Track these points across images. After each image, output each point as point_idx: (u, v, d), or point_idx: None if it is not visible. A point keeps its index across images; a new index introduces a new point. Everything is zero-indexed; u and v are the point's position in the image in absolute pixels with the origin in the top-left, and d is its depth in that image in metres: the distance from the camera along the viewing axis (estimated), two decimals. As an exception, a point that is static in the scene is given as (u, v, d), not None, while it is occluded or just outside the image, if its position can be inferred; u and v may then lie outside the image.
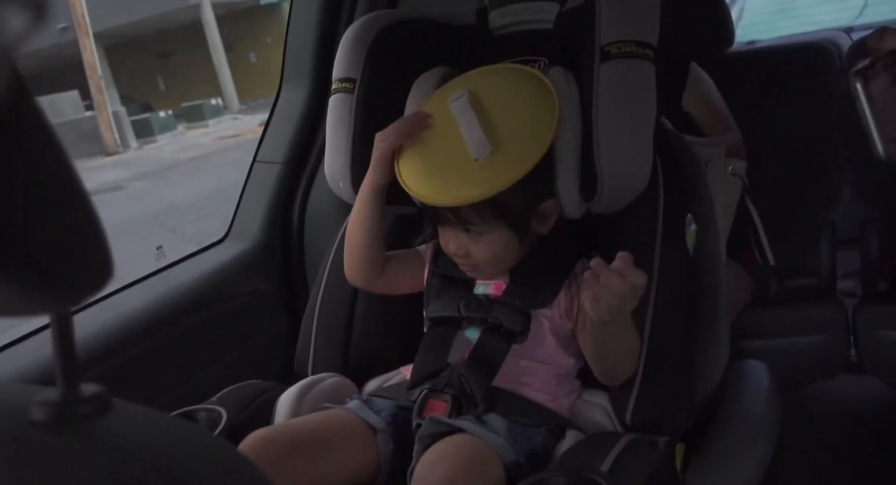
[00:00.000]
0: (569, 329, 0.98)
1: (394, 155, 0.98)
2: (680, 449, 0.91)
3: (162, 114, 17.21)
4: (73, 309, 0.42)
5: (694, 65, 1.79)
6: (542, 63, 1.03)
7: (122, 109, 16.18)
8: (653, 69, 0.92)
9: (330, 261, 1.18)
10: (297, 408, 1.00)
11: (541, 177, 0.92)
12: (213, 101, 17.96)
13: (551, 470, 0.86)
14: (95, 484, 0.37)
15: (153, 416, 0.45)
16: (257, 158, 1.50)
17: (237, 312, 1.35)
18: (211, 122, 17.04)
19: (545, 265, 0.99)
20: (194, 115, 17.60)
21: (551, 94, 0.93)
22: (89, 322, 1.12)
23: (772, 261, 1.71)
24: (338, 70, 1.11)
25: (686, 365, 0.95)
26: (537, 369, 0.98)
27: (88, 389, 0.42)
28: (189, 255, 1.43)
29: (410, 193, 0.96)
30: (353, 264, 1.06)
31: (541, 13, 1.08)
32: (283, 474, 0.86)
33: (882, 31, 0.66)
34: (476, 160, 0.91)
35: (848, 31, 3.48)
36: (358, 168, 1.09)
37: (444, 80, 1.06)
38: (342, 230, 1.22)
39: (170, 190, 8.41)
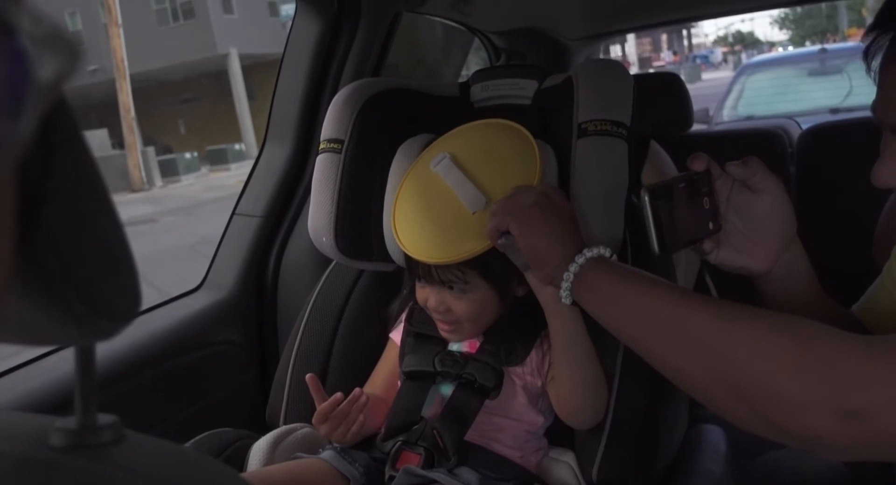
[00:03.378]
0: (539, 386, 1.02)
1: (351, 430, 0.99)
2: (642, 507, 0.95)
3: (188, 155, 17.92)
4: (106, 339, 0.44)
5: (654, 143, 1.89)
6: None
7: (150, 149, 17.20)
8: (626, 147, 1.00)
9: (307, 313, 1.21)
10: (270, 457, 1.01)
11: None
12: (237, 147, 18.55)
13: None
14: None
15: (165, 445, 0.47)
16: (237, 211, 1.53)
17: (209, 360, 1.35)
18: (233, 165, 17.56)
19: (518, 325, 1.03)
20: (218, 159, 18.40)
21: (526, 137, 0.99)
22: (63, 364, 1.12)
23: (727, 333, 1.78)
24: (326, 131, 1.16)
25: (650, 427, 0.99)
26: (508, 426, 1.01)
27: (104, 418, 0.44)
28: (163, 302, 1.44)
29: (411, 255, 1.00)
30: None
31: (520, 89, 1.15)
32: None
33: (694, 157, 0.81)
34: (473, 213, 0.96)
35: (834, 111, 3.71)
36: (341, 225, 1.13)
37: (427, 146, 1.12)
38: (320, 284, 1.25)
39: (201, 225, 8.56)
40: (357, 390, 1.00)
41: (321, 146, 1.16)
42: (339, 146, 1.14)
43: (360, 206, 1.14)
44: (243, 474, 0.97)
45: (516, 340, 1.02)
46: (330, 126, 1.16)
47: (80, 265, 0.35)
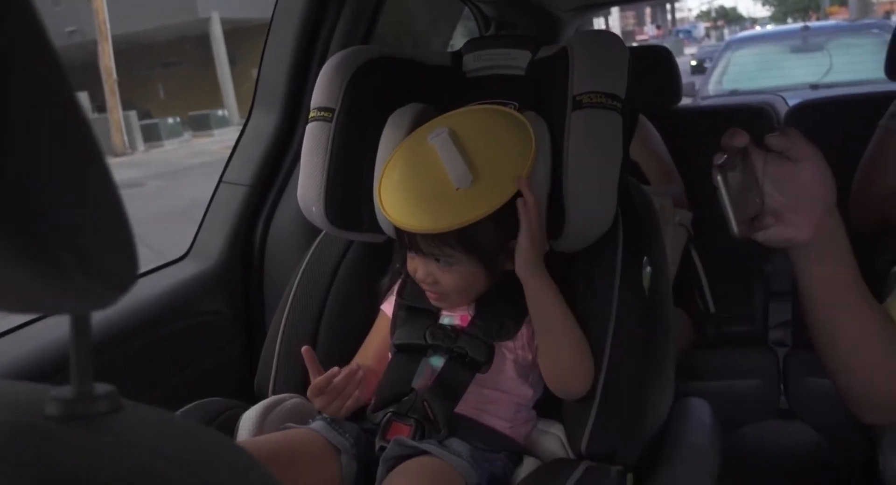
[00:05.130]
0: (529, 360, 1.02)
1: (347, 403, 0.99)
2: (630, 478, 0.96)
3: (170, 120, 17.76)
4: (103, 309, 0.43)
5: (642, 117, 1.89)
6: (514, 107, 1.09)
7: (132, 113, 17.05)
8: (620, 120, 0.99)
9: (296, 284, 1.20)
10: (260, 427, 1.01)
11: (512, 214, 0.96)
12: (220, 113, 18.47)
13: None
14: (120, 476, 0.37)
15: (162, 414, 0.47)
16: (223, 179, 1.51)
17: (195, 330, 1.34)
18: (216, 131, 17.54)
19: (509, 300, 1.03)
20: (200, 124, 18.40)
21: (528, 131, 0.99)
22: (48, 335, 1.10)
23: (712, 308, 1.81)
24: (317, 99, 1.15)
25: (639, 399, 1.00)
26: (498, 398, 1.01)
27: (101, 387, 0.43)
28: (148, 270, 1.42)
29: (392, 222, 1.00)
30: None
31: (513, 60, 1.14)
32: None
33: (732, 132, 0.78)
34: (457, 189, 0.95)
35: (815, 86, 3.78)
36: (331, 194, 1.12)
37: (418, 115, 1.10)
38: (309, 254, 1.24)
39: (189, 189, 8.48)
40: (354, 364, 0.99)
41: (311, 114, 1.15)
42: (330, 114, 1.13)
43: (351, 175, 1.13)
44: (244, 441, 0.97)
45: (507, 314, 1.02)
46: (320, 94, 1.14)
47: (77, 232, 0.34)
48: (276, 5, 1.47)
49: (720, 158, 0.76)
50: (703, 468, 1.04)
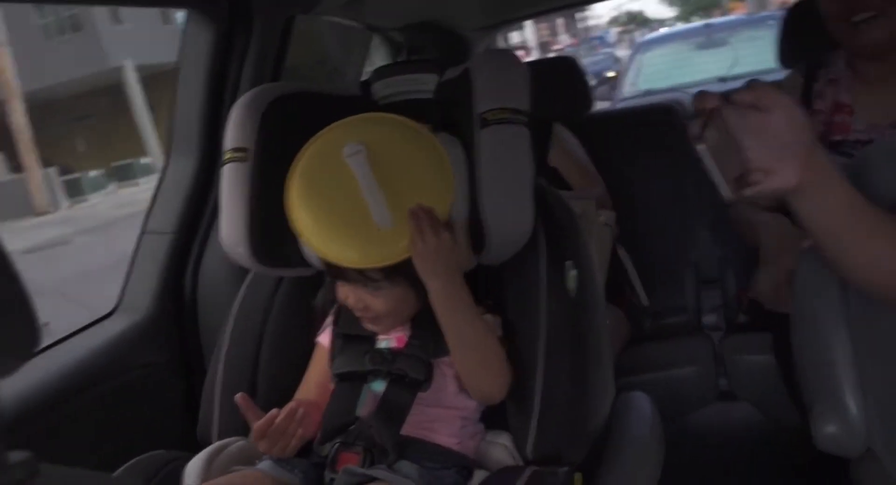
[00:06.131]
0: None
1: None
2: (578, 478, 0.98)
3: (92, 173, 17.41)
4: (6, 376, 0.43)
5: (558, 125, 1.95)
6: (428, 129, 1.12)
7: (51, 170, 16.67)
8: (527, 132, 1.02)
9: (230, 326, 1.19)
10: (207, 473, 0.99)
11: None
12: (143, 161, 18.04)
13: None
14: None
15: (81, 475, 0.46)
16: (146, 229, 1.49)
17: (133, 384, 1.32)
18: (142, 180, 17.17)
19: None
20: (125, 174, 18.15)
21: (437, 149, 1.01)
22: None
23: (645, 302, 1.86)
24: (230, 140, 1.14)
25: (578, 400, 1.02)
26: (443, 415, 1.03)
27: (16, 456, 0.43)
28: (76, 330, 1.39)
29: (314, 252, 1.00)
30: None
31: (421, 84, 1.16)
32: None
33: (702, 96, 0.79)
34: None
35: (722, 79, 3.94)
36: (255, 233, 1.12)
37: None
38: (240, 296, 1.23)
39: (119, 242, 8.22)
40: (293, 403, 0.99)
41: (226, 156, 1.14)
42: (244, 154, 1.13)
43: (273, 212, 1.12)
44: None
45: (441, 330, 1.04)
46: (232, 135, 1.14)
47: None
48: (181, 49, 1.47)
49: (695, 127, 0.76)
50: (647, 460, 1.07)
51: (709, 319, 2.00)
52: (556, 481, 0.94)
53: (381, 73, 1.19)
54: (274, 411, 0.97)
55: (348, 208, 0.99)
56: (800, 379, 1.04)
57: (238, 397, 0.98)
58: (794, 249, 1.12)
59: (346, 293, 1.02)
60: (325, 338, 1.12)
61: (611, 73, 7.56)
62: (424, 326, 1.04)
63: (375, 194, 0.98)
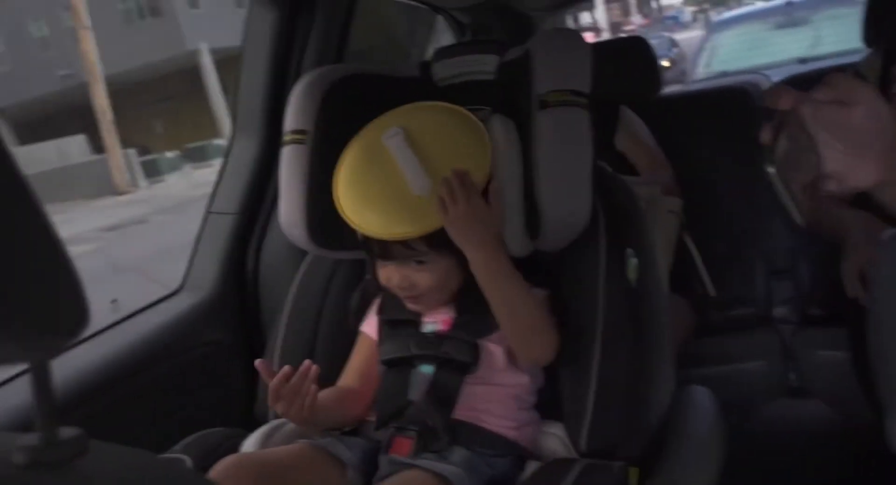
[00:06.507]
0: None
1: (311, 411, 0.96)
2: (634, 473, 0.95)
3: (169, 154, 18.09)
4: (53, 356, 0.43)
5: (624, 108, 1.89)
6: (486, 112, 1.10)
7: (132, 151, 17.33)
8: (587, 115, 0.99)
9: (289, 307, 1.21)
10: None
11: None
12: (217, 142, 18.83)
13: None
14: None
15: (129, 453, 0.47)
16: (211, 210, 1.52)
17: (195, 362, 1.35)
18: (215, 161, 18.00)
19: None
20: (199, 155, 18.81)
21: (480, 129, 1.00)
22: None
23: (712, 292, 1.80)
24: (290, 122, 1.15)
25: (635, 392, 0.99)
26: (494, 394, 1.02)
27: (67, 432, 0.44)
28: (143, 307, 1.43)
29: (355, 228, 1.01)
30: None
31: (482, 65, 1.14)
32: None
33: (774, 91, 0.73)
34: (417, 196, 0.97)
35: (803, 60, 3.78)
36: (312, 216, 1.12)
37: None
38: (298, 277, 1.25)
39: (193, 222, 8.62)
40: (306, 362, 0.95)
41: (285, 138, 1.15)
42: (304, 137, 1.13)
43: (330, 195, 1.13)
44: (238, 454, 0.98)
45: (486, 308, 1.02)
46: (292, 117, 1.15)
47: (13, 282, 0.35)
48: (245, 31, 1.48)
49: (767, 133, 0.72)
50: (706, 458, 1.04)
51: (779, 311, 1.92)
52: (611, 476, 0.91)
53: (441, 54, 1.18)
54: (287, 368, 0.94)
55: (388, 185, 1.00)
56: (876, 377, 0.99)
57: (257, 362, 0.96)
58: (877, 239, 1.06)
59: (390, 274, 1.02)
60: (367, 327, 1.12)
61: (665, 63, 7.16)
62: (469, 306, 1.03)
63: (412, 163, 0.98)
